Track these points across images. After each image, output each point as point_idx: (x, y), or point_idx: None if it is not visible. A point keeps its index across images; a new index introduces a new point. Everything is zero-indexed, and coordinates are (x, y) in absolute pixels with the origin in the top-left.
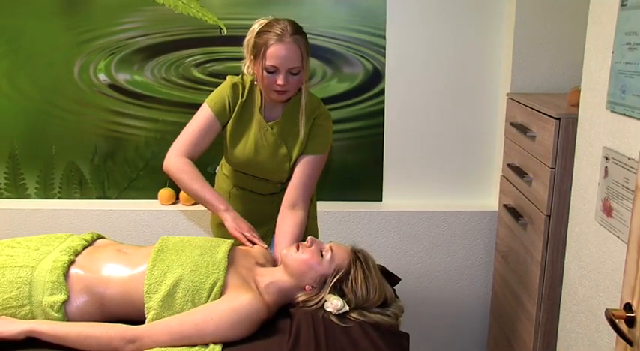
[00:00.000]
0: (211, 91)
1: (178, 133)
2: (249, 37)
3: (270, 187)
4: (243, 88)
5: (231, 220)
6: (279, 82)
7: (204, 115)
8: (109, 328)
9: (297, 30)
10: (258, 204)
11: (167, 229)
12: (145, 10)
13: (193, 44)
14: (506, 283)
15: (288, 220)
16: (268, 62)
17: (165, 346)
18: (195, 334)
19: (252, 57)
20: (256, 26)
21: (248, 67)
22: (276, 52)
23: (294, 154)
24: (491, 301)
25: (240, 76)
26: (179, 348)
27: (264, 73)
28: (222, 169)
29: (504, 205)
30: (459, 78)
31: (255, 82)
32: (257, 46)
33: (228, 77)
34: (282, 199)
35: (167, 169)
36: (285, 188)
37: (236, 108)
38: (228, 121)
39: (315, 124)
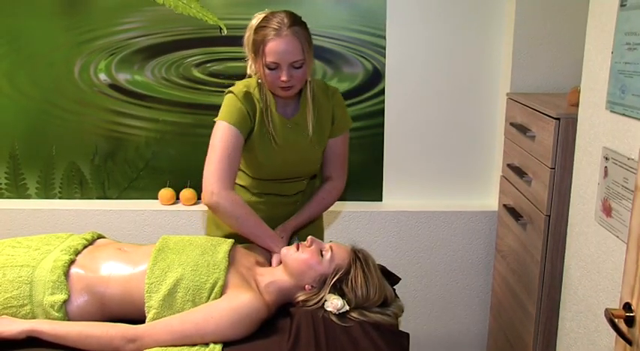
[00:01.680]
0: (212, 91)
1: (179, 133)
2: (248, 34)
3: (297, 186)
4: (253, 95)
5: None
6: (283, 78)
7: (228, 134)
8: (110, 328)
9: (295, 21)
10: (281, 207)
11: (167, 229)
12: (145, 10)
13: (193, 44)
14: (506, 283)
15: (320, 190)
16: (268, 59)
17: (166, 346)
18: (196, 334)
19: (252, 55)
20: (254, 21)
21: (251, 66)
22: (274, 47)
23: (324, 141)
24: (491, 301)
25: (241, 84)
26: (179, 347)
27: (266, 70)
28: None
29: (504, 205)
30: (459, 78)
31: (259, 81)
32: (256, 43)
33: (232, 90)
34: (305, 196)
35: (218, 205)
36: (310, 183)
37: (257, 116)
38: (250, 133)
39: (336, 104)
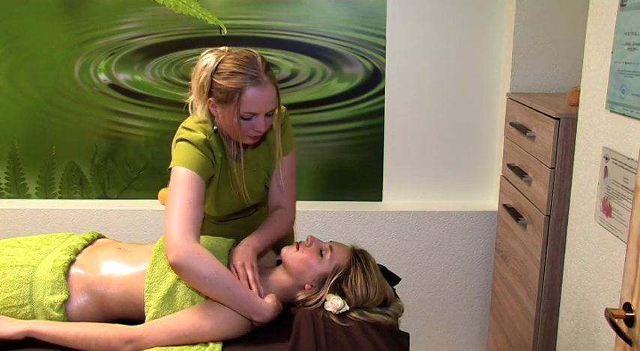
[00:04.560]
0: None
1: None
2: (205, 75)
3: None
4: (211, 143)
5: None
6: (261, 128)
7: (192, 181)
8: (107, 329)
9: (267, 64)
10: (244, 228)
11: None
12: (145, 10)
13: (193, 44)
14: (506, 283)
15: (271, 215)
16: (246, 109)
17: (165, 345)
18: (194, 333)
19: (217, 102)
20: (212, 62)
21: (202, 110)
22: (255, 97)
23: (272, 170)
24: (491, 301)
25: (195, 132)
26: (179, 347)
27: (241, 120)
28: None
29: (504, 205)
30: (459, 78)
31: (215, 127)
32: (226, 91)
33: (187, 138)
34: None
35: (188, 264)
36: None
37: (218, 164)
38: (210, 180)
39: (283, 126)
